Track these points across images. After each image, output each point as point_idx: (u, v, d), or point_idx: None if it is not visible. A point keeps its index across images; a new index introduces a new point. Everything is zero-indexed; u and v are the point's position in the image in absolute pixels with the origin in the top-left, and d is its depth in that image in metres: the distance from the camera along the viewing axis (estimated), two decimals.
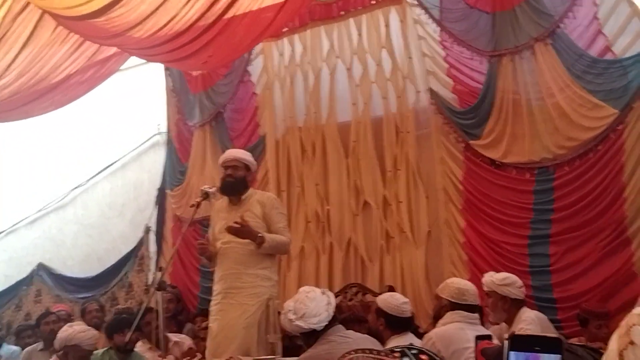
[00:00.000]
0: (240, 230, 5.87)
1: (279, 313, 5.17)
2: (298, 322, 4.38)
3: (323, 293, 4.56)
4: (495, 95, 6.92)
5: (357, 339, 4.61)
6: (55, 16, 7.50)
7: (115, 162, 10.60)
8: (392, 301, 5.34)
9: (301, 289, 4.69)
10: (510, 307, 5.61)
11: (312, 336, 4.44)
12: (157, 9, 6.92)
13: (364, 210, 7.83)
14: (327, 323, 4.42)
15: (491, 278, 5.69)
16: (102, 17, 7.02)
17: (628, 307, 5.44)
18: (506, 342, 1.85)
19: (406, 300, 5.43)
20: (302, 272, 8.13)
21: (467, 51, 7.16)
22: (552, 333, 5.58)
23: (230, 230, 5.87)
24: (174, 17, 7.05)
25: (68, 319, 8.38)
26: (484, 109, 7.00)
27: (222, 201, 6.37)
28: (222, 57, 8.17)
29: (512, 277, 5.67)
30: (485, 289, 5.67)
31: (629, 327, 1.60)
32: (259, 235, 5.87)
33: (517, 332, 4.98)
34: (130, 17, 7.02)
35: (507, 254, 6.74)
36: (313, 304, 4.41)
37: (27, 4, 7.48)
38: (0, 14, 7.59)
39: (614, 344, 1.62)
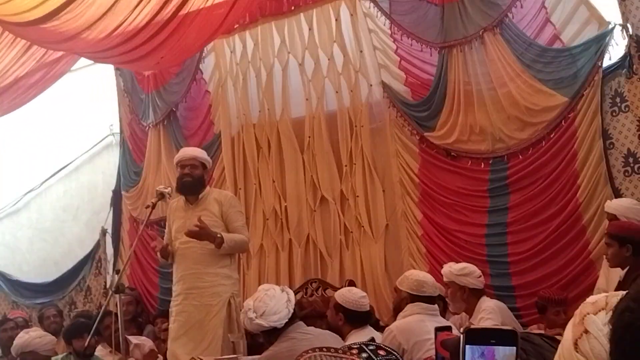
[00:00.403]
0: (199, 233, 5.86)
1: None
2: (258, 321, 4.39)
3: (282, 290, 4.57)
4: (446, 87, 6.94)
5: (318, 335, 4.64)
6: (1, 22, 7.37)
7: (68, 164, 10.44)
8: (350, 296, 5.36)
9: (260, 287, 4.69)
10: (469, 296, 5.67)
11: (273, 334, 4.45)
12: (105, 12, 6.82)
13: (322, 205, 7.82)
14: (287, 320, 4.43)
15: (449, 268, 5.75)
16: (49, 23, 6.92)
17: (586, 294, 5.43)
18: (462, 336, 1.87)
19: (364, 294, 5.47)
20: (262, 269, 8.10)
21: (417, 43, 7.17)
22: (512, 322, 5.69)
23: (190, 234, 5.85)
24: (125, 20, 6.96)
25: (26, 325, 8.30)
26: (436, 101, 7.03)
27: (178, 200, 6.35)
28: (175, 57, 8.10)
29: (471, 267, 5.73)
30: (444, 279, 5.73)
31: (582, 315, 1.60)
32: (218, 236, 5.86)
33: (475, 323, 5.09)
34: (78, 21, 6.90)
35: (464, 244, 6.78)
36: (273, 302, 4.42)
37: None
38: None
39: (568, 333, 1.62)
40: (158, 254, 6.38)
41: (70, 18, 6.85)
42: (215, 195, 6.23)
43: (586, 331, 1.57)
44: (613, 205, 5.56)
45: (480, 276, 5.74)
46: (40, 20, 6.87)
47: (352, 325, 5.30)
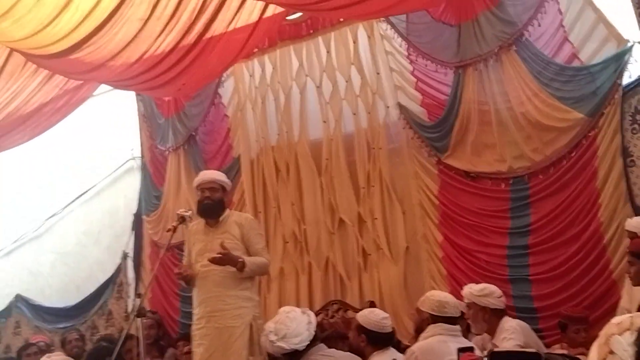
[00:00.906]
0: (222, 260, 5.88)
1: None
2: (280, 343, 4.35)
3: (303, 312, 4.54)
4: (460, 107, 6.93)
5: (340, 357, 4.63)
6: (25, 55, 7.47)
7: (90, 189, 10.51)
8: (373, 317, 5.32)
9: (281, 310, 4.67)
10: (490, 317, 5.63)
11: (295, 356, 4.40)
12: (129, 42, 6.91)
13: (340, 228, 7.82)
14: (308, 342, 4.39)
15: (470, 289, 5.70)
16: (73, 55, 7.01)
17: (609, 314, 5.48)
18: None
19: (386, 315, 5.42)
20: (282, 292, 8.09)
21: (433, 64, 7.18)
22: (535, 342, 5.65)
23: (213, 261, 5.87)
24: (148, 48, 7.05)
25: (48, 349, 8.33)
26: (451, 121, 7.01)
27: (198, 223, 6.34)
28: (197, 82, 8.17)
29: (491, 288, 5.68)
30: (465, 301, 5.68)
31: (608, 336, 1.61)
32: (240, 260, 5.87)
33: (498, 343, 5.07)
34: (102, 52, 6.99)
35: (486, 265, 6.74)
36: (294, 324, 4.38)
37: None
38: None
39: (594, 353, 1.63)
40: (182, 282, 6.43)
41: (94, 49, 6.93)
42: (235, 217, 6.22)
43: (611, 352, 1.58)
44: (633, 223, 5.50)
45: (501, 296, 5.69)
46: (65, 53, 6.95)
47: (375, 346, 5.25)
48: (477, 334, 5.92)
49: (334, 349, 4.82)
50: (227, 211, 6.30)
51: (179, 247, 8.56)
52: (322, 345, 4.54)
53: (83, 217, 10.62)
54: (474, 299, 5.66)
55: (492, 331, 5.65)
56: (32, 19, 6.51)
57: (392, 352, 5.41)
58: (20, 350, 8.76)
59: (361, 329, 5.31)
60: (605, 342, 1.60)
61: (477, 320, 5.71)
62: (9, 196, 11.35)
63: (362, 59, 7.69)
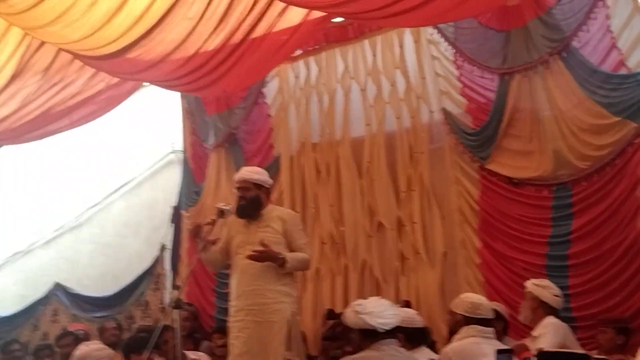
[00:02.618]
0: (262, 256, 5.91)
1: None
2: (363, 316, 4.46)
3: (393, 305, 4.70)
4: (504, 113, 6.90)
5: (407, 356, 4.76)
6: (75, 55, 7.60)
7: (130, 180, 10.66)
8: (403, 314, 5.30)
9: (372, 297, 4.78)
10: (538, 309, 5.81)
11: (369, 337, 4.49)
12: (178, 45, 7.01)
13: (379, 231, 7.83)
14: (389, 329, 4.48)
15: (532, 280, 5.96)
16: (123, 57, 7.12)
17: None
18: (533, 359, 1.86)
19: (415, 312, 5.60)
20: (318, 293, 8.14)
21: (479, 70, 7.15)
22: (574, 343, 5.66)
23: (252, 257, 5.89)
24: (197, 51, 7.14)
25: (86, 338, 8.42)
26: (494, 127, 6.99)
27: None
28: (240, 83, 8.26)
29: (551, 284, 5.89)
30: (525, 290, 5.93)
31: None
32: (280, 257, 5.89)
33: (535, 336, 5.10)
34: (151, 54, 7.11)
35: (524, 273, 6.64)
36: (382, 308, 4.52)
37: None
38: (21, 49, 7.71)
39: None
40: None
41: (144, 51, 7.04)
42: (278, 212, 6.22)
43: None
44: None
45: (557, 296, 5.85)
46: (115, 55, 7.08)
47: (412, 344, 5.37)
48: (522, 322, 6.08)
49: (404, 349, 4.88)
50: (270, 206, 6.28)
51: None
52: (395, 340, 4.60)
53: (123, 209, 10.76)
54: (532, 287, 5.90)
55: (534, 323, 5.78)
56: (85, 23, 6.65)
57: (427, 351, 5.47)
58: (57, 338, 8.86)
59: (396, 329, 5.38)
60: None
61: (525, 307, 5.93)
62: (51, 185, 11.49)
63: (408, 64, 7.70)
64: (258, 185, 6.22)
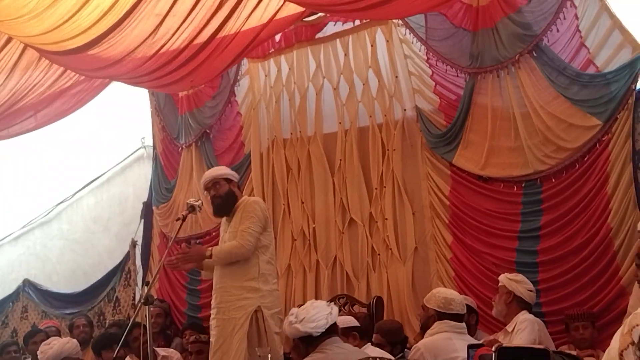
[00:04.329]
0: (189, 258, 6.12)
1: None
2: (296, 325, 4.49)
3: (328, 305, 4.68)
4: (470, 110, 7.01)
5: (352, 351, 4.73)
6: (40, 51, 7.53)
7: (99, 176, 10.61)
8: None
9: (309, 301, 4.80)
10: (512, 303, 5.87)
11: (309, 342, 4.52)
12: (144, 40, 6.98)
13: (350, 227, 7.87)
14: (323, 330, 4.50)
15: (506, 274, 6.02)
16: (89, 51, 7.07)
17: (617, 321, 5.50)
18: (493, 355, 1.88)
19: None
20: (289, 289, 8.14)
21: (452, 69, 7.22)
22: (548, 339, 5.73)
23: (169, 266, 6.22)
24: (162, 47, 7.13)
25: (58, 335, 8.39)
26: (463, 124, 7.08)
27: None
28: (208, 77, 8.27)
29: (525, 279, 5.95)
30: (499, 285, 5.97)
31: (632, 327, 1.61)
32: (206, 253, 6.01)
33: (510, 332, 5.16)
34: (117, 49, 7.07)
35: (494, 267, 6.74)
36: (315, 311, 4.52)
37: (11, 39, 7.53)
38: None
39: (615, 342, 1.65)
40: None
41: (110, 46, 7.00)
42: (244, 203, 6.24)
43: (633, 342, 1.60)
44: None
45: (531, 290, 5.92)
46: (82, 49, 7.03)
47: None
48: (495, 317, 6.16)
49: (348, 344, 4.93)
50: (242, 199, 6.32)
51: (188, 240, 8.74)
52: (337, 338, 4.62)
53: (92, 204, 10.72)
54: (505, 281, 5.94)
55: (508, 318, 5.84)
56: (50, 15, 6.59)
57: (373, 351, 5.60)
58: (27, 336, 8.81)
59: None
60: (628, 331, 1.61)
61: (499, 302, 5.96)
62: (19, 181, 11.42)
63: (380, 62, 7.73)
64: (228, 180, 6.31)
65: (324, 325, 4.50)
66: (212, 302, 6.20)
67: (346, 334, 5.57)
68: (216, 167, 6.82)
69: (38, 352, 6.51)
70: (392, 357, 5.45)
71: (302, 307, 4.64)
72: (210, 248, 6.09)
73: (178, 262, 6.19)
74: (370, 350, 5.57)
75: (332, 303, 4.86)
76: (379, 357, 4.77)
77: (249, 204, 6.23)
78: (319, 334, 4.49)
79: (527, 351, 4.53)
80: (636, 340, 1.58)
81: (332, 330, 4.58)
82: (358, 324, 5.88)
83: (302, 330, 4.48)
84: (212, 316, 6.18)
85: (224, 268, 6.09)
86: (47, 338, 8.01)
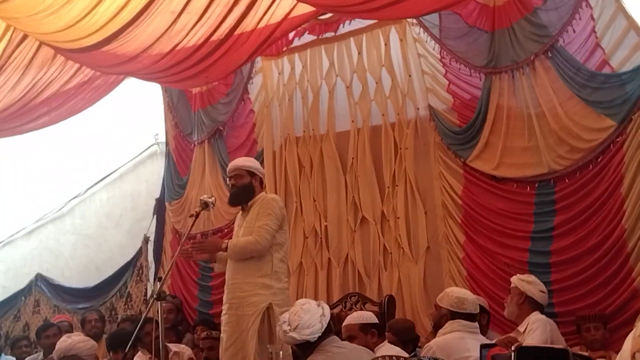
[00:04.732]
0: (204, 247, 6.18)
1: None
2: (292, 334, 4.47)
3: (318, 305, 4.63)
4: (488, 111, 6.98)
5: (352, 349, 4.74)
6: (56, 48, 7.56)
7: (112, 172, 10.63)
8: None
9: (297, 302, 4.76)
10: (524, 304, 5.87)
11: (307, 348, 4.52)
12: (160, 36, 7.01)
13: (362, 225, 7.87)
14: (320, 334, 4.50)
15: (518, 276, 6.00)
16: (105, 48, 7.09)
17: (630, 323, 5.37)
18: (513, 354, 1.87)
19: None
20: (300, 287, 8.15)
21: (466, 68, 7.21)
22: (560, 340, 5.72)
23: (183, 255, 6.26)
24: (178, 43, 7.14)
25: (70, 329, 8.45)
26: (479, 125, 7.06)
27: (239, 209, 6.42)
28: (223, 73, 8.29)
29: (537, 280, 5.96)
30: (511, 285, 5.97)
31: None
32: (223, 246, 6.01)
33: (522, 332, 5.18)
34: (133, 45, 7.10)
35: (506, 267, 6.75)
36: (307, 316, 4.49)
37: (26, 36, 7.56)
38: (2, 44, 7.68)
39: (628, 344, 1.65)
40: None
41: (126, 42, 7.03)
42: (262, 199, 6.22)
43: None
44: None
45: (544, 292, 5.92)
46: (98, 45, 7.05)
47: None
48: (507, 317, 6.15)
49: (347, 342, 4.94)
50: (261, 194, 6.29)
51: (202, 235, 8.74)
52: (335, 337, 4.64)
53: (105, 200, 10.75)
54: (518, 282, 5.94)
55: (520, 319, 5.84)
56: (67, 13, 6.62)
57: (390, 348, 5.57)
58: (39, 330, 8.86)
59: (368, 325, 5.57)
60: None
61: (511, 303, 5.96)
62: (32, 176, 11.47)
63: (394, 61, 7.73)
64: (251, 173, 6.29)
65: (319, 329, 4.50)
66: (224, 298, 6.20)
67: (365, 330, 5.59)
68: (243, 158, 6.83)
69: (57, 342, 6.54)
70: (408, 355, 5.45)
71: (292, 312, 4.59)
72: (226, 240, 6.10)
73: (193, 251, 6.23)
74: (387, 348, 5.55)
75: (321, 301, 4.82)
76: (395, 356, 4.74)
77: (267, 200, 6.21)
78: (316, 338, 4.50)
79: (547, 351, 4.52)
80: None
81: (329, 330, 4.59)
82: (377, 321, 5.80)
83: (300, 339, 4.48)
84: (223, 312, 6.18)
85: (238, 263, 6.09)
86: (60, 332, 8.09)
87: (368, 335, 5.59)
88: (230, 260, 6.18)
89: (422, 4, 6.43)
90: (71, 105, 8.85)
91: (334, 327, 4.85)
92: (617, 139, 6.20)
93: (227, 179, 6.47)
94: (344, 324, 5.75)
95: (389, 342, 5.91)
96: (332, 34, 8.20)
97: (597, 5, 6.34)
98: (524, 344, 5.04)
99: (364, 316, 5.73)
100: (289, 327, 4.50)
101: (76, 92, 8.65)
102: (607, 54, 6.30)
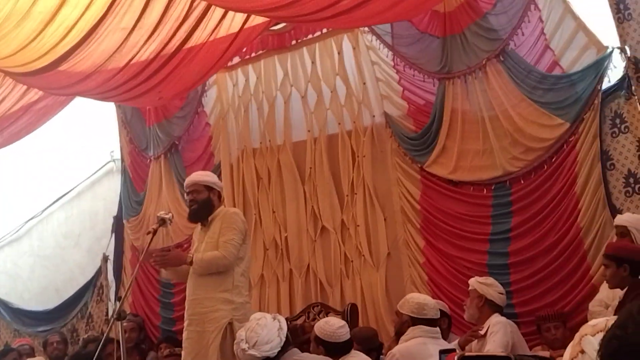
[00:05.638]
0: (167, 260, 6.05)
1: None
2: (251, 352, 4.43)
3: (274, 319, 4.61)
4: (443, 116, 7.02)
5: (314, 357, 4.76)
6: (8, 74, 7.46)
7: (69, 191, 10.51)
8: (327, 328, 5.31)
9: (252, 316, 4.74)
10: (484, 307, 5.85)
11: None
12: (112, 54, 6.95)
13: (322, 235, 7.87)
14: (279, 349, 4.47)
15: (476, 278, 6.00)
16: (56, 69, 7.01)
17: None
18: None
19: (342, 324, 5.41)
20: (263, 299, 8.11)
21: (419, 74, 7.25)
22: (521, 341, 5.77)
23: (155, 264, 6.11)
24: (130, 60, 7.09)
25: (32, 353, 8.33)
26: (435, 130, 7.10)
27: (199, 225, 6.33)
28: (175, 91, 8.22)
29: (495, 282, 5.95)
30: (469, 288, 5.96)
31: (581, 336, 1.67)
32: (187, 259, 5.90)
33: (487, 337, 5.19)
34: (85, 64, 7.01)
35: (467, 271, 6.76)
36: (264, 331, 4.46)
37: None
38: None
39: (567, 352, 1.71)
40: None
41: (77, 62, 6.94)
42: (223, 213, 6.13)
43: (582, 351, 1.65)
44: (624, 217, 5.55)
45: (502, 293, 5.93)
46: (49, 67, 6.95)
47: (333, 356, 5.21)
48: (467, 321, 6.12)
49: (307, 353, 4.90)
50: (219, 209, 6.21)
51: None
52: (295, 349, 4.62)
53: (63, 220, 10.61)
54: (476, 285, 5.92)
55: (480, 321, 5.83)
56: (17, 35, 6.51)
57: (357, 356, 5.43)
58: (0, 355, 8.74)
59: (318, 340, 5.32)
60: (578, 342, 1.68)
61: (471, 306, 5.94)
62: None
63: (348, 69, 7.76)
64: (209, 187, 6.20)
65: (278, 343, 4.48)
66: (185, 314, 6.10)
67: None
68: (200, 172, 6.69)
69: None
70: None
71: (249, 328, 4.55)
72: (190, 254, 5.99)
73: (155, 264, 6.16)
74: (353, 356, 5.51)
75: (277, 314, 4.80)
76: None
77: (230, 215, 6.14)
78: (275, 354, 4.47)
79: (489, 359, 4.60)
80: (585, 349, 1.62)
81: (287, 343, 4.56)
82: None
83: (260, 356, 4.44)
84: (184, 327, 6.08)
85: (198, 279, 5.98)
86: (20, 356, 7.96)
87: (319, 348, 5.53)
88: (191, 276, 6.07)
89: (375, 15, 6.45)
90: (22, 125, 8.70)
91: (298, 338, 4.83)
92: (570, 139, 6.30)
93: (185, 194, 6.40)
94: (313, 332, 5.68)
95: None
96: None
97: (545, 7, 6.44)
98: (466, 354, 5.13)
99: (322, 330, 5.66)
100: (247, 345, 4.45)
101: (27, 111, 8.50)
102: (557, 55, 6.41)
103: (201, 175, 6.43)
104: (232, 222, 6.02)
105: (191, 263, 5.88)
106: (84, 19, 6.42)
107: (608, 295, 5.48)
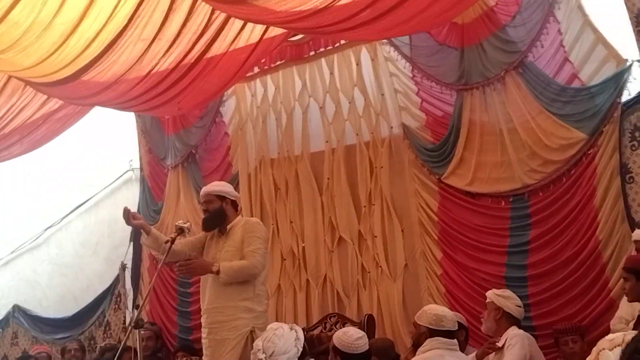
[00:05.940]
0: (192, 269, 6.06)
1: None
2: None
3: (291, 329, 4.61)
4: (461, 128, 7.03)
5: None
6: (28, 82, 7.53)
7: (88, 199, 10.56)
8: (346, 339, 5.19)
9: (269, 326, 4.74)
10: (501, 319, 5.84)
11: None
12: (132, 66, 6.99)
13: (339, 245, 7.87)
14: (296, 359, 4.49)
15: (493, 290, 5.99)
16: (76, 81, 7.06)
17: (608, 333, 5.56)
18: None
19: (361, 334, 5.31)
20: (280, 309, 8.11)
21: (437, 86, 7.26)
22: (539, 354, 5.75)
23: (180, 272, 6.06)
24: (150, 71, 7.14)
25: None
26: (452, 142, 7.11)
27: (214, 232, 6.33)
28: (194, 102, 8.26)
29: (513, 294, 5.94)
30: (487, 301, 5.95)
31: (598, 351, 1.69)
32: (213, 268, 5.87)
33: (505, 350, 5.18)
34: (105, 76, 7.06)
35: (484, 283, 6.74)
36: (282, 342, 4.46)
37: None
38: None
39: None
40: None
41: (97, 73, 6.99)
42: (243, 223, 6.16)
43: None
44: None
45: (520, 306, 5.91)
46: (69, 79, 7.00)
47: None
48: (484, 333, 6.10)
49: None
50: (238, 218, 6.24)
51: (177, 262, 8.67)
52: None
53: (81, 228, 10.66)
54: (494, 297, 5.92)
55: (498, 334, 5.82)
56: (38, 48, 6.56)
57: None
58: None
59: (336, 350, 5.21)
60: (595, 356, 1.68)
61: (488, 318, 5.94)
62: (7, 206, 11.38)
63: (366, 80, 7.78)
64: (221, 197, 6.21)
65: (295, 354, 4.48)
66: (203, 322, 6.11)
67: None
68: (214, 183, 6.71)
69: None
70: None
71: (265, 338, 4.54)
72: (216, 263, 5.92)
73: (179, 272, 6.17)
74: None
75: (294, 324, 4.79)
76: None
77: (252, 224, 6.19)
78: None
79: None
80: None
81: (304, 354, 4.57)
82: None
83: None
84: (203, 336, 6.10)
85: (219, 287, 5.97)
86: None
87: (336, 358, 5.52)
88: (210, 284, 6.07)
89: (394, 27, 6.46)
90: (42, 133, 8.76)
91: (314, 349, 4.82)
92: (589, 152, 6.27)
93: (201, 204, 6.43)
94: (331, 342, 5.67)
95: None
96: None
97: (564, 19, 6.42)
98: None
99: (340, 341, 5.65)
100: (264, 355, 4.45)
101: (47, 119, 8.57)
102: (576, 68, 6.38)
103: (213, 186, 6.47)
104: (256, 231, 6.07)
105: (217, 272, 5.87)
106: (106, 31, 6.46)
107: (627, 311, 5.44)
